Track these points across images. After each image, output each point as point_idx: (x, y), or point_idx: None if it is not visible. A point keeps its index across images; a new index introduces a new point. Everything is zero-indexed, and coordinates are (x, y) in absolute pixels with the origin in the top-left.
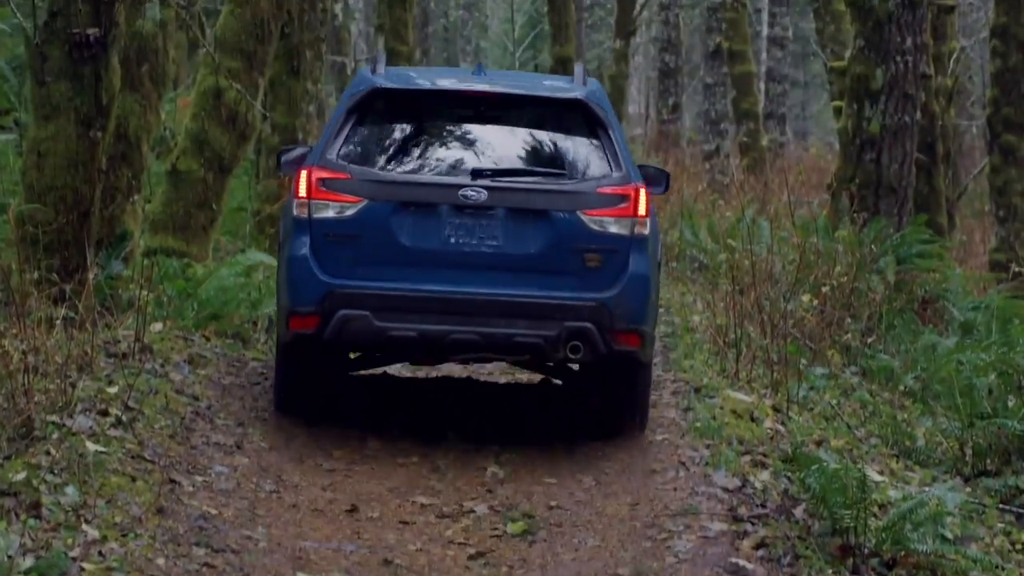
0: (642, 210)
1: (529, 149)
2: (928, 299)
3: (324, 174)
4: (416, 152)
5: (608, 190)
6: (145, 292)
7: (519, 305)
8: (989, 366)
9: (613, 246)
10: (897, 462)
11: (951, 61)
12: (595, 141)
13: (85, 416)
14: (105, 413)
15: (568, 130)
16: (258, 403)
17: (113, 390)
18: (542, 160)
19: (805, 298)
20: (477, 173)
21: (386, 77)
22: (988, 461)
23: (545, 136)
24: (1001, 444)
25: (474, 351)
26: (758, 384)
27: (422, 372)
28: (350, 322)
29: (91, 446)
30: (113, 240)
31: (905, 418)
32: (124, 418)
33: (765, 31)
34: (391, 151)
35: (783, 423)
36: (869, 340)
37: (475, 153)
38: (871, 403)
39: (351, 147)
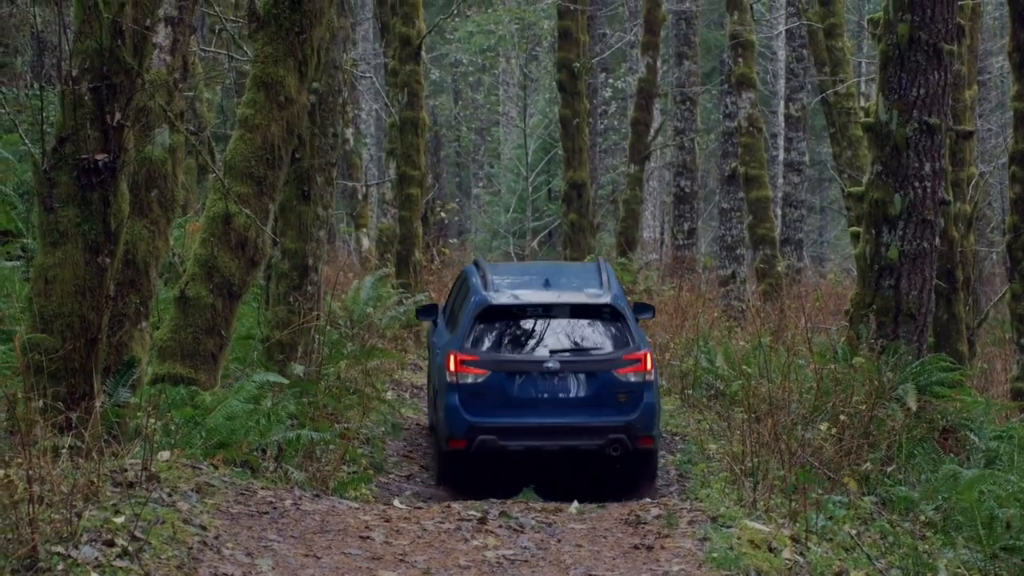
0: (649, 366)
1: (582, 334)
2: (949, 428)
3: (463, 357)
4: (516, 340)
5: (629, 356)
6: (152, 420)
7: (582, 428)
8: (1012, 496)
9: (633, 388)
10: None
11: (970, 187)
12: (618, 326)
13: (91, 546)
14: (111, 543)
15: (602, 321)
16: (267, 533)
17: (119, 520)
18: (589, 340)
19: (823, 426)
20: (553, 352)
21: (494, 295)
22: None
23: (590, 326)
24: None
25: (559, 455)
26: (776, 513)
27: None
28: (485, 443)
29: None
30: (120, 367)
31: (926, 549)
32: (130, 548)
33: (781, 156)
34: (502, 340)
35: (802, 554)
36: (889, 469)
37: (550, 339)
38: (891, 533)
39: (477, 339)
